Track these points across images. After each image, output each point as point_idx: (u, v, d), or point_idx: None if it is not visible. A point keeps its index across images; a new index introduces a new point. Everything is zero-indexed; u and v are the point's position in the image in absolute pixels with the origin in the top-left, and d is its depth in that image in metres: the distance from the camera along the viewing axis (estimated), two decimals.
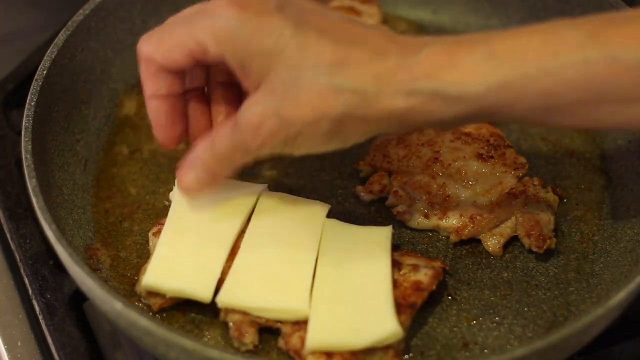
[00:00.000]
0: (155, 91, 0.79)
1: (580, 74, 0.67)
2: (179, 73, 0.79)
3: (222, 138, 0.76)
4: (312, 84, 0.71)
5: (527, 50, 0.68)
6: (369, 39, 0.72)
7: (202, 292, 0.78)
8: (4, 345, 0.86)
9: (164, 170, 0.95)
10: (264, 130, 0.72)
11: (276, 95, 0.72)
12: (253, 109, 0.73)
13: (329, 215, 0.85)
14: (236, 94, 0.83)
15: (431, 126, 0.89)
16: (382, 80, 0.70)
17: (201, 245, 0.81)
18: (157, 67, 0.77)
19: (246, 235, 0.82)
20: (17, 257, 0.90)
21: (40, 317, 0.85)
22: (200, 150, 0.78)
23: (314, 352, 0.75)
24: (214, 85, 0.83)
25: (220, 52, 0.74)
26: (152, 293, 0.80)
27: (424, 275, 0.80)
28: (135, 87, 1.02)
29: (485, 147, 0.90)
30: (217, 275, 0.79)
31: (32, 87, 0.88)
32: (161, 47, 0.76)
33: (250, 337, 0.78)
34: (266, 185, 0.88)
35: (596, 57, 0.66)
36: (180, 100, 0.81)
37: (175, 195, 0.85)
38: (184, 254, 0.80)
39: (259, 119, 0.72)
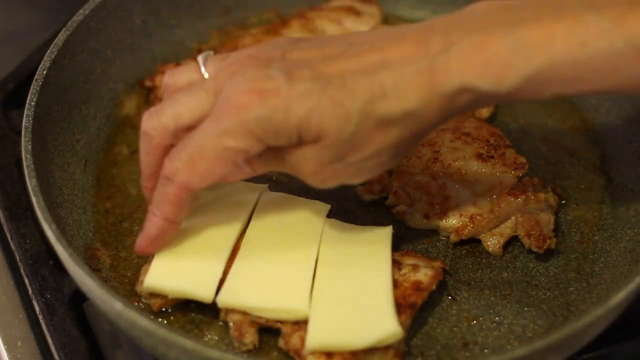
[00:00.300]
0: (178, 217, 0.76)
1: (607, 63, 0.67)
2: None
3: (275, 166, 0.76)
4: (361, 124, 0.70)
5: (555, 40, 0.68)
6: (385, 55, 0.71)
7: (203, 292, 0.78)
8: (4, 345, 0.86)
9: None
10: (323, 175, 0.73)
11: (328, 145, 0.71)
12: (308, 160, 0.72)
13: (329, 215, 0.85)
14: None
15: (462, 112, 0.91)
16: (424, 90, 0.70)
17: (202, 246, 0.81)
18: (192, 193, 0.75)
19: (246, 235, 0.82)
20: (17, 257, 0.90)
21: (40, 317, 0.85)
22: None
23: (314, 352, 0.75)
24: None
25: (262, 146, 0.71)
26: (153, 293, 0.80)
27: (424, 275, 0.80)
28: (135, 87, 1.02)
29: (485, 147, 0.90)
30: (219, 275, 0.79)
31: (32, 87, 0.88)
32: (197, 172, 0.73)
33: (250, 337, 0.78)
34: (266, 185, 0.88)
35: (621, 46, 0.66)
36: None
37: None
38: (184, 254, 0.80)
39: (315, 168, 0.72)
